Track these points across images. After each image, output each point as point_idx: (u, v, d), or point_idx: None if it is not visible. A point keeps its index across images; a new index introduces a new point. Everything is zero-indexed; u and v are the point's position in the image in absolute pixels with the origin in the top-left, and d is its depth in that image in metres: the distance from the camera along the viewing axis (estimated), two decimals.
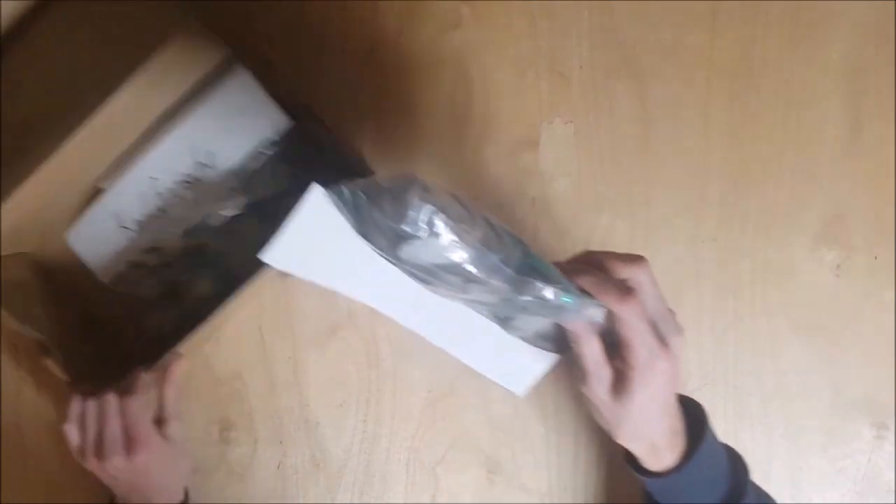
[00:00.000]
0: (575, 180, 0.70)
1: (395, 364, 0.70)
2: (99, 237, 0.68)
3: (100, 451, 0.58)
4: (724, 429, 0.68)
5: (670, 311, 0.51)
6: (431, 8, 0.70)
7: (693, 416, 0.54)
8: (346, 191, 0.46)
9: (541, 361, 0.58)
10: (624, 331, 0.48)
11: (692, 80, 0.69)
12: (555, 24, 0.70)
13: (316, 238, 0.49)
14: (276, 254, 0.48)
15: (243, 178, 0.66)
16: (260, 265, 0.57)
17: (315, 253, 0.50)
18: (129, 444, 0.58)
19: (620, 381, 0.49)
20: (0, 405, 0.72)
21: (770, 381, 0.68)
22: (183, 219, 0.67)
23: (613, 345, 0.50)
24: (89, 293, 0.70)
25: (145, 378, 0.60)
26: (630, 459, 0.55)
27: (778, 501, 0.67)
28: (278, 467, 0.70)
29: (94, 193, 0.67)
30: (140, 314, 0.70)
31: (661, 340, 0.49)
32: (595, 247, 0.66)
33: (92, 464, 0.58)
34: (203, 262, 0.69)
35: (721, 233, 0.69)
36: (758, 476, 0.67)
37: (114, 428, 0.58)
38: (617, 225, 0.69)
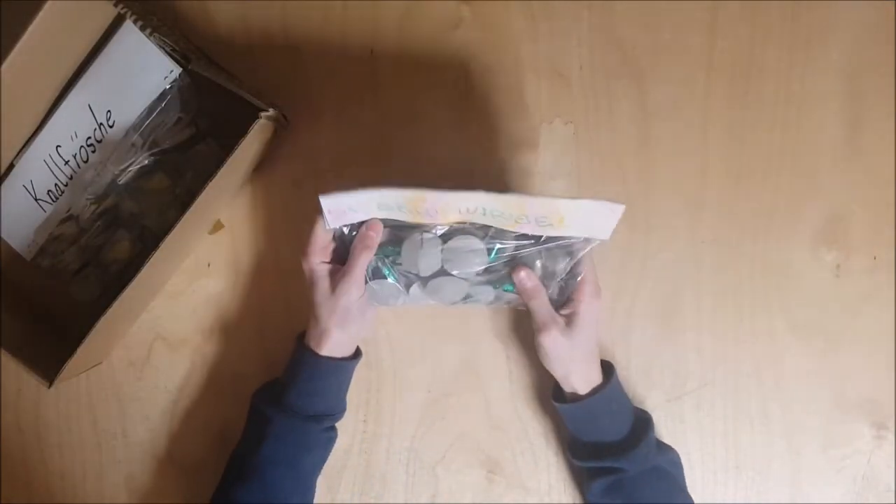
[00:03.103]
0: (575, 180, 0.70)
1: (395, 364, 0.70)
2: (15, 214, 0.68)
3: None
4: (724, 429, 0.68)
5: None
6: (431, 8, 0.70)
7: (606, 369, 0.64)
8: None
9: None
10: (580, 265, 0.60)
11: (692, 80, 0.69)
12: (555, 24, 0.70)
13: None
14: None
15: (145, 133, 0.67)
16: (173, 219, 0.60)
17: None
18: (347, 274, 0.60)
19: (571, 321, 0.60)
20: (0, 405, 0.72)
21: (770, 381, 0.68)
22: (92, 183, 0.67)
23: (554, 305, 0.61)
24: (15, 274, 0.71)
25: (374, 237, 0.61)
26: (556, 396, 0.65)
27: (778, 501, 0.68)
28: None
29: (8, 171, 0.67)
30: (66, 285, 0.70)
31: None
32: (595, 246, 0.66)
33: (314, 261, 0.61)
34: (118, 224, 0.69)
35: (721, 233, 0.69)
36: (758, 476, 0.67)
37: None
38: (617, 225, 0.69)
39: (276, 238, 0.71)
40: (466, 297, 0.62)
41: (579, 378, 0.61)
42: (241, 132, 0.60)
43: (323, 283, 0.61)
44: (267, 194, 0.71)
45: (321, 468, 0.65)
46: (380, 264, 0.61)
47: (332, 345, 0.62)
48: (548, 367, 0.63)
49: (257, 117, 0.60)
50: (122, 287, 0.60)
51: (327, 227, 0.60)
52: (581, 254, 0.60)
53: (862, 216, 0.68)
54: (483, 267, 0.60)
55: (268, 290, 0.71)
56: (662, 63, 0.69)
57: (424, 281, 0.61)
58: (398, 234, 0.61)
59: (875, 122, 0.68)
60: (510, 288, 0.60)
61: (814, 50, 0.69)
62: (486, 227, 0.59)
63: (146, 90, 0.66)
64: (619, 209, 0.56)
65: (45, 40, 0.59)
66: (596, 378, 0.62)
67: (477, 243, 0.59)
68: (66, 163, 0.67)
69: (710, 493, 0.68)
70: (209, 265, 0.71)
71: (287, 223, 0.71)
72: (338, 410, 0.65)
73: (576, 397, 0.62)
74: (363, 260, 0.60)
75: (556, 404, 0.64)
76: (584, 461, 0.63)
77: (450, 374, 0.70)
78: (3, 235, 0.69)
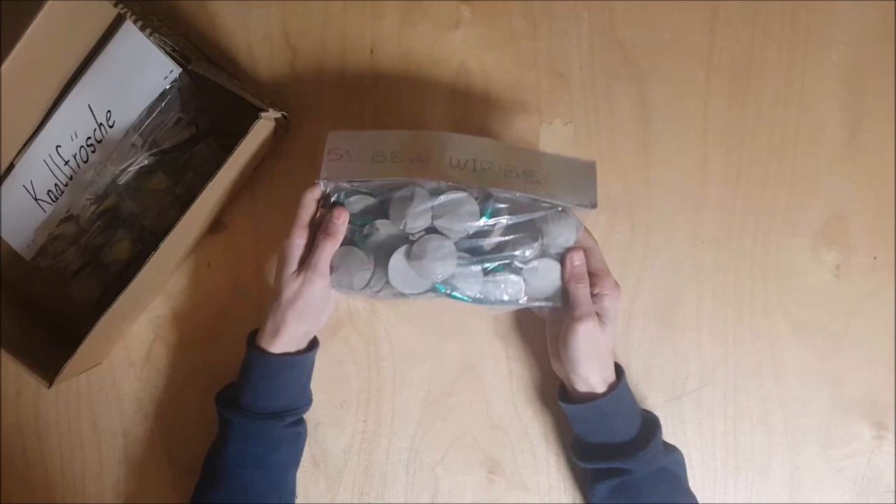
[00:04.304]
0: None
1: (395, 364, 0.70)
2: (15, 214, 0.68)
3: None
4: (724, 429, 0.68)
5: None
6: (431, 8, 0.71)
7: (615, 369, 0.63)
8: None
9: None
10: (594, 257, 0.61)
11: (692, 80, 0.69)
12: (555, 24, 0.70)
13: None
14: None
15: (145, 133, 0.67)
16: (173, 219, 0.59)
17: None
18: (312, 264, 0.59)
19: (600, 316, 0.60)
20: (0, 405, 0.72)
21: (770, 381, 0.68)
22: (92, 183, 0.67)
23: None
24: (14, 274, 0.71)
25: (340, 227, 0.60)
26: (562, 396, 0.64)
27: (778, 501, 0.68)
28: None
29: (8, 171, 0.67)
30: (66, 285, 0.70)
31: (595, 283, 0.60)
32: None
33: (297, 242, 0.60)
34: (118, 224, 0.69)
35: (721, 233, 0.69)
36: (758, 476, 0.67)
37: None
38: (617, 225, 0.69)
39: (276, 238, 0.71)
40: (450, 287, 0.59)
41: (598, 376, 0.60)
42: (241, 132, 0.60)
43: (290, 266, 0.60)
44: (267, 194, 0.71)
45: (296, 464, 0.65)
46: (352, 236, 0.60)
47: (287, 339, 0.61)
48: (567, 362, 0.60)
49: (257, 117, 0.60)
50: (122, 287, 0.60)
51: (320, 179, 0.58)
52: (577, 228, 0.59)
53: (862, 216, 0.68)
54: (475, 225, 0.58)
55: (267, 291, 0.71)
56: (662, 63, 0.69)
57: (409, 247, 0.58)
58: (383, 203, 0.60)
59: (875, 122, 0.69)
60: (500, 269, 0.59)
61: (814, 50, 0.69)
62: (479, 191, 0.58)
63: (146, 90, 0.66)
64: (593, 165, 0.58)
65: (45, 40, 0.59)
66: (610, 377, 0.61)
67: (469, 200, 0.58)
68: (66, 163, 0.67)
69: (710, 493, 0.68)
70: (209, 265, 0.71)
71: (287, 223, 0.71)
72: (301, 404, 0.64)
73: (584, 397, 0.61)
74: (328, 248, 0.59)
75: (564, 405, 0.63)
76: (590, 463, 0.62)
77: (450, 374, 0.70)
78: (3, 235, 0.69)
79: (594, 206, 0.58)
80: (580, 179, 0.58)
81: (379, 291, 0.60)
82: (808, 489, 0.68)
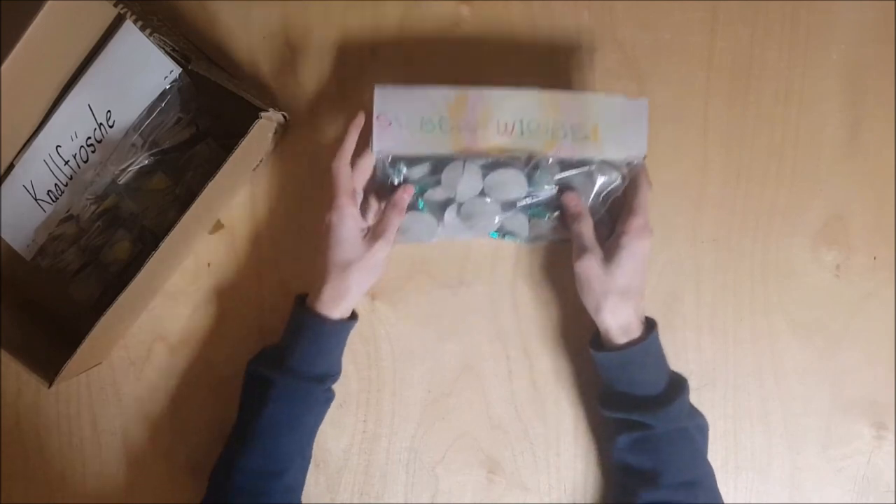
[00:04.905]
0: None
1: (395, 364, 0.70)
2: (15, 214, 0.68)
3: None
4: (724, 429, 0.68)
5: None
6: (431, 8, 0.70)
7: (648, 324, 0.63)
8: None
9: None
10: (635, 198, 0.62)
11: (692, 80, 0.69)
12: (555, 24, 0.70)
13: None
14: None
15: (145, 133, 0.67)
16: (173, 219, 0.60)
17: None
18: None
19: (611, 254, 0.61)
20: (0, 405, 0.72)
21: (770, 381, 0.68)
22: (92, 183, 0.67)
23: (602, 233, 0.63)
24: (14, 274, 0.71)
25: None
26: (593, 343, 0.64)
27: (778, 501, 0.68)
28: None
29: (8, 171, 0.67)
30: (66, 285, 0.70)
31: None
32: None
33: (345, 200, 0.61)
34: (118, 224, 0.69)
35: (721, 233, 0.69)
36: (758, 476, 0.67)
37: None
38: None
39: (277, 238, 0.71)
40: (503, 230, 0.65)
41: (611, 316, 0.61)
42: (241, 132, 0.60)
43: (356, 237, 0.62)
44: (267, 194, 0.71)
45: (318, 427, 0.66)
46: (414, 200, 0.63)
47: (349, 304, 0.63)
48: (583, 300, 0.63)
49: (257, 117, 0.60)
50: (122, 287, 0.60)
51: (374, 151, 0.61)
52: (619, 184, 0.62)
53: (862, 216, 0.69)
54: (523, 195, 0.62)
55: (268, 290, 0.71)
56: (662, 63, 0.69)
57: (459, 206, 0.63)
58: (436, 167, 0.63)
59: (875, 122, 0.69)
60: (543, 213, 0.63)
61: (814, 50, 0.69)
62: (527, 160, 0.62)
63: (146, 90, 0.66)
64: (644, 105, 0.61)
65: (45, 40, 0.59)
66: (630, 321, 0.61)
67: (517, 176, 0.62)
68: (66, 163, 0.67)
69: None
70: (209, 265, 0.71)
71: (287, 223, 0.71)
72: (339, 370, 0.66)
73: (612, 346, 0.61)
74: (396, 220, 0.62)
75: (592, 352, 0.63)
76: (614, 412, 0.63)
77: (450, 374, 0.70)
78: (3, 235, 0.69)
79: (643, 156, 0.62)
80: (629, 125, 0.62)
81: (437, 237, 0.65)
82: (808, 489, 0.68)
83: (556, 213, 0.64)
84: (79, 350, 0.60)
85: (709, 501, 0.61)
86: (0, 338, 0.61)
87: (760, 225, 0.69)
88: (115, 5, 0.63)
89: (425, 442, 0.70)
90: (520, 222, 0.64)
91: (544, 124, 0.60)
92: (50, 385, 0.61)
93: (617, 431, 0.62)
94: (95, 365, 0.71)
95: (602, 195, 0.63)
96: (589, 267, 0.61)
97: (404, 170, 0.63)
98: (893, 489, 0.68)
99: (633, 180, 0.63)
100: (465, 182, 0.62)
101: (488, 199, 0.63)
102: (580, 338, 0.69)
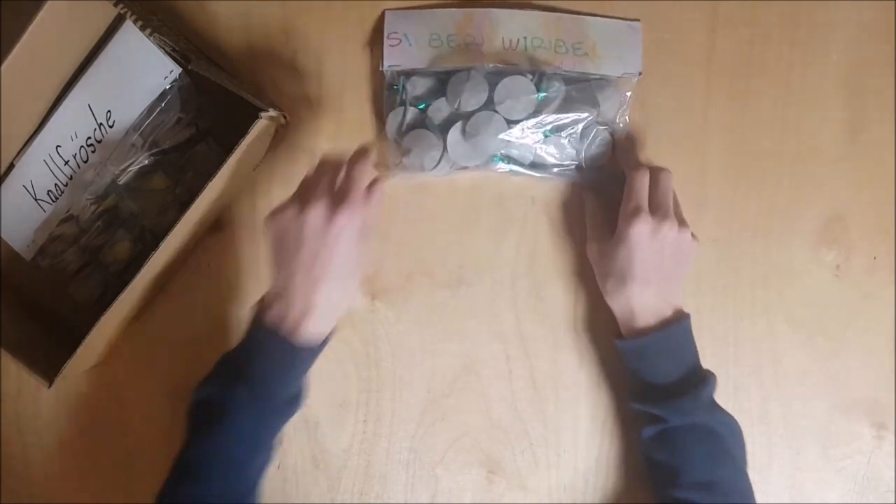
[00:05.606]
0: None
1: (395, 364, 0.70)
2: (15, 214, 0.68)
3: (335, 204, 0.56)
4: None
5: (677, 207, 0.63)
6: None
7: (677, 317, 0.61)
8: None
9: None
10: (629, 182, 0.61)
11: (692, 80, 0.69)
12: None
13: None
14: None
15: (145, 133, 0.67)
16: (173, 219, 0.60)
17: None
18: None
19: (611, 238, 0.61)
20: (0, 405, 0.72)
21: (770, 381, 0.68)
22: (92, 183, 0.67)
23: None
24: (14, 274, 0.71)
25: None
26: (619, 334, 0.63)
27: (778, 501, 0.68)
28: (278, 467, 0.70)
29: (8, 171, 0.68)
30: (66, 285, 0.70)
31: (653, 212, 0.60)
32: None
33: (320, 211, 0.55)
34: (118, 224, 0.69)
35: (721, 233, 0.69)
36: (758, 476, 0.67)
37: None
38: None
39: None
40: (508, 157, 0.65)
41: (611, 300, 0.62)
42: (241, 132, 0.60)
43: (353, 238, 0.55)
44: (267, 194, 0.71)
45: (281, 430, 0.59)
46: (415, 118, 0.65)
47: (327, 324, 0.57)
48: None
49: (257, 117, 0.60)
50: (122, 287, 0.60)
51: (385, 68, 0.64)
52: (622, 100, 0.66)
53: (862, 216, 0.68)
54: (532, 104, 0.63)
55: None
56: (662, 63, 0.69)
57: (466, 119, 0.63)
58: (442, 83, 0.65)
59: (875, 122, 0.69)
60: (551, 133, 0.65)
61: (814, 50, 0.69)
62: (532, 71, 0.64)
63: (146, 90, 0.66)
64: (637, 27, 0.66)
65: (45, 40, 0.59)
66: (632, 307, 0.60)
67: (525, 81, 0.63)
68: (66, 163, 0.67)
69: None
70: (209, 265, 0.71)
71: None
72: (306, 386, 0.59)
73: (626, 333, 0.62)
74: (363, 183, 0.57)
75: (615, 341, 0.63)
76: (633, 402, 0.62)
77: (450, 375, 0.70)
78: (3, 235, 0.69)
79: (639, 73, 0.65)
80: (625, 45, 0.66)
81: (440, 167, 0.65)
82: (808, 489, 0.68)
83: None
84: (79, 350, 0.61)
85: None
86: (0, 338, 0.61)
87: (760, 225, 0.69)
88: (115, 5, 0.63)
89: (425, 442, 0.70)
90: (528, 144, 0.65)
91: (547, 41, 0.64)
92: (50, 385, 0.61)
93: (642, 424, 0.62)
94: (95, 365, 0.71)
95: (594, 146, 0.66)
96: (588, 250, 0.65)
97: (409, 89, 0.65)
98: (893, 489, 0.68)
99: (624, 159, 0.65)
100: (471, 89, 0.63)
101: (496, 110, 0.63)
102: (580, 338, 0.69)
